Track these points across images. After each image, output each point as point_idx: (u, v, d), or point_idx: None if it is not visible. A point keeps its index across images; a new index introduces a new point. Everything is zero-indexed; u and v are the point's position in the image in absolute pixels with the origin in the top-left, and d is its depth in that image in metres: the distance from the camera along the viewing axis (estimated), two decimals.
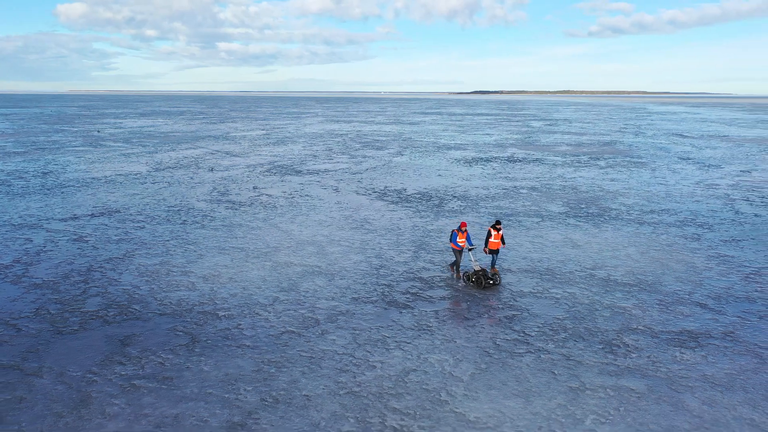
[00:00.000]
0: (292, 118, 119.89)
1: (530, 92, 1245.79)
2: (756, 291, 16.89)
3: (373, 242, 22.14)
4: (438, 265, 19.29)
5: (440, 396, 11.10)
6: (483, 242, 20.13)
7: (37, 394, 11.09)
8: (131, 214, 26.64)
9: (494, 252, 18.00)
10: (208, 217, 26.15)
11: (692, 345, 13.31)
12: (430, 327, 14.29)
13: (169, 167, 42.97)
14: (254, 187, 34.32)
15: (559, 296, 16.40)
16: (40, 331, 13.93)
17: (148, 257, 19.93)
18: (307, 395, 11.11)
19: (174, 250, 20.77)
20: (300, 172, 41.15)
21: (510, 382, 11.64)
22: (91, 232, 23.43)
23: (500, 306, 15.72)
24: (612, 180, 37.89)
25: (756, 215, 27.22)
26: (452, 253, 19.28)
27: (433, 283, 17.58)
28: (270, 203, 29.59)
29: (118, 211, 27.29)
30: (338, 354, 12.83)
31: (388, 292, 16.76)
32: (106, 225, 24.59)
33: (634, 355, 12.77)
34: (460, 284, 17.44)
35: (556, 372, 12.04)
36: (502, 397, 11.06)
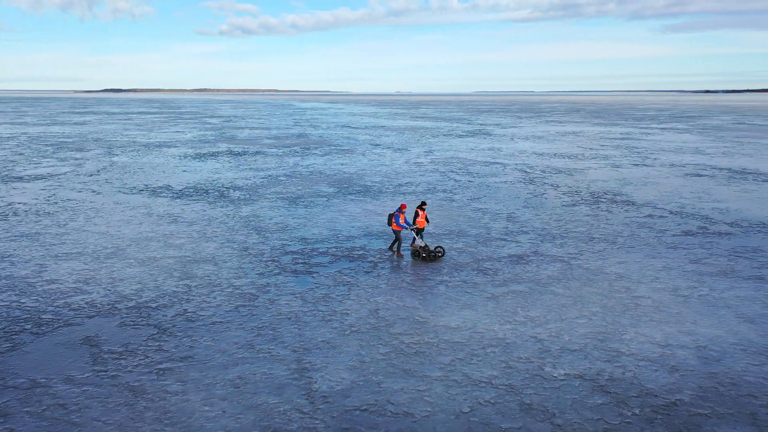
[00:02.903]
0: None
1: (166, 90, 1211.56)
2: (523, 226, 23.94)
3: (209, 231, 22.96)
4: (291, 241, 21.58)
5: (417, 319, 14.32)
6: (410, 222, 21.40)
7: (75, 398, 10.58)
8: None
9: (420, 230, 19.67)
10: None
11: (523, 262, 19.07)
12: (350, 282, 17.04)
13: None
14: None
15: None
16: None
17: None
18: (325, 341, 13.09)
19: None
20: (20, 178, 36.38)
21: (450, 302, 15.48)
22: None
23: (381, 259, 19.23)
24: (342, 164, 43.66)
25: (469, 181, 35.89)
26: (393, 233, 19.77)
27: (308, 253, 20.00)
28: (39, 210, 26.65)
29: None
30: (306, 312, 14.76)
31: (281, 265, 18.64)
32: None
33: (500, 274, 17.86)
34: (407, 261, 19.05)
35: (469, 291, 16.31)
36: (456, 311, 14.84)
